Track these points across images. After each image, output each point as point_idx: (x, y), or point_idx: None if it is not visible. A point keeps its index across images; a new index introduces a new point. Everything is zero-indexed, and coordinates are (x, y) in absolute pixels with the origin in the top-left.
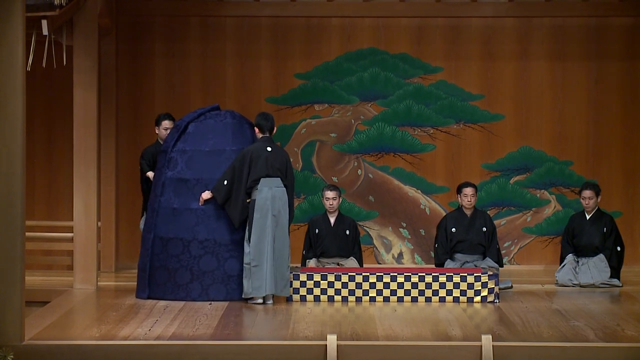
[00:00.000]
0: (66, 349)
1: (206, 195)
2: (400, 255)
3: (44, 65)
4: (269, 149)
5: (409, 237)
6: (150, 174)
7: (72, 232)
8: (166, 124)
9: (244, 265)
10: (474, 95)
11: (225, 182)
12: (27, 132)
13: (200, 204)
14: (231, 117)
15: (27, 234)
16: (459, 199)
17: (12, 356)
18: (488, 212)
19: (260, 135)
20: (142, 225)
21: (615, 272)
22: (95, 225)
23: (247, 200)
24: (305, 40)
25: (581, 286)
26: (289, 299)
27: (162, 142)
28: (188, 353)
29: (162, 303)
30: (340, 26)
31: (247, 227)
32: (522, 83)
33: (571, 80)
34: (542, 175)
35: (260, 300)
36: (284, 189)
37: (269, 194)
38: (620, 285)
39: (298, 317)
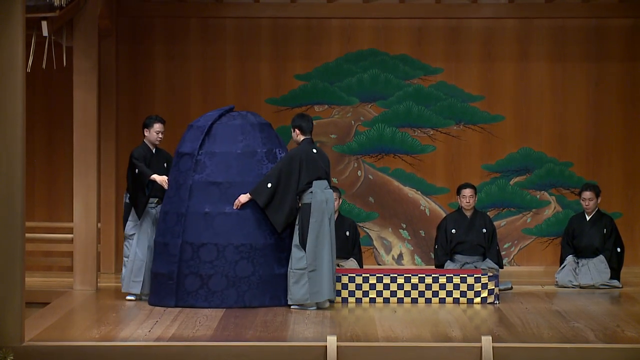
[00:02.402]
0: (66, 350)
1: (244, 198)
2: (400, 256)
3: (44, 66)
4: (314, 150)
5: (409, 238)
6: (156, 177)
7: (72, 233)
8: (158, 127)
9: (293, 270)
10: (474, 97)
11: (269, 185)
12: (27, 133)
13: (235, 208)
14: (253, 117)
15: (27, 235)
16: (459, 200)
17: (12, 357)
18: (488, 213)
19: (301, 137)
20: (131, 231)
21: (615, 273)
22: (95, 227)
23: (300, 205)
24: (305, 42)
25: (581, 287)
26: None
27: (150, 145)
28: (188, 354)
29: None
30: (340, 27)
31: (297, 232)
32: (522, 84)
33: (571, 82)
34: (542, 176)
35: (314, 307)
36: (332, 191)
37: (324, 197)
38: (620, 286)
39: (298, 318)
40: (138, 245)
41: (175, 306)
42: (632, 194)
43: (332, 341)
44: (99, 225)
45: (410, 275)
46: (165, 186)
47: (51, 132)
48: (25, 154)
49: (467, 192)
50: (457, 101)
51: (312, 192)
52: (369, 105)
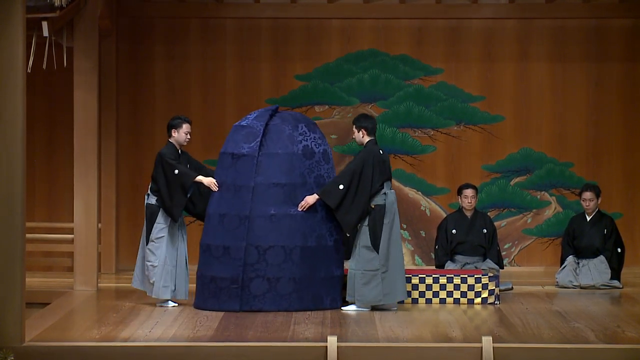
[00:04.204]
0: (66, 350)
1: (312, 199)
2: None
3: (44, 66)
4: (381, 152)
5: (410, 238)
6: (203, 179)
7: (73, 234)
8: (187, 127)
9: (364, 272)
10: (474, 97)
11: (341, 187)
12: (28, 133)
13: (300, 209)
14: (302, 117)
15: (28, 235)
16: (459, 200)
17: (12, 357)
18: (488, 213)
19: (367, 139)
20: (159, 234)
21: (615, 274)
22: (96, 227)
23: (372, 206)
24: (305, 42)
25: (581, 288)
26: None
27: (177, 146)
28: (188, 355)
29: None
30: (341, 27)
31: (368, 233)
32: (523, 84)
33: (571, 82)
34: (543, 176)
35: (396, 307)
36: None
37: (393, 197)
38: (621, 286)
39: (298, 318)
40: (167, 249)
41: (240, 310)
42: (632, 194)
43: (332, 341)
44: (100, 225)
45: (410, 275)
46: (215, 188)
47: (51, 132)
48: (25, 154)
49: (469, 192)
50: (457, 101)
51: (384, 193)
52: (370, 106)
